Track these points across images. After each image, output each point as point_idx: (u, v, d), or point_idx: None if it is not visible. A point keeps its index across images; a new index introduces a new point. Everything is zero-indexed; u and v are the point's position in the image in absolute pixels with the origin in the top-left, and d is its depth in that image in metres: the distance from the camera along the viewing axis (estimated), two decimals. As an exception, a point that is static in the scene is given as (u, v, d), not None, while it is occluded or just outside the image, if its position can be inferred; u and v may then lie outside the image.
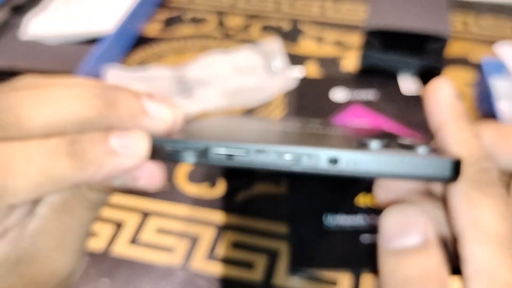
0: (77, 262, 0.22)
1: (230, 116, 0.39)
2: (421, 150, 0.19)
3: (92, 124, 0.18)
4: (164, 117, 0.20)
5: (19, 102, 0.17)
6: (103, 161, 0.18)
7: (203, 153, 0.19)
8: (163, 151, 0.19)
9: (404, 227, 0.18)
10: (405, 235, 0.18)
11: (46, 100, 0.18)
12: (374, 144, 0.19)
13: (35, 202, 0.20)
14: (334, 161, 0.18)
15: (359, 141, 0.20)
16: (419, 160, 0.18)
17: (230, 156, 0.19)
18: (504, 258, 0.17)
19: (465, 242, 0.18)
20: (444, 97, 0.21)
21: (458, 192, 0.18)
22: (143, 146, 0.18)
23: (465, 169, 0.19)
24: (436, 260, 0.17)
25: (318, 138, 0.25)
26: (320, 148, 0.18)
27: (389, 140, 0.21)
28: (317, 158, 0.18)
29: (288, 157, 0.19)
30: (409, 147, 0.19)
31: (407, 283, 0.17)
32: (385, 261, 0.18)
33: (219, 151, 0.19)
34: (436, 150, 0.19)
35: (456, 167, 0.18)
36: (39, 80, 0.19)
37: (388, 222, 0.18)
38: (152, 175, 0.19)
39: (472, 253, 0.18)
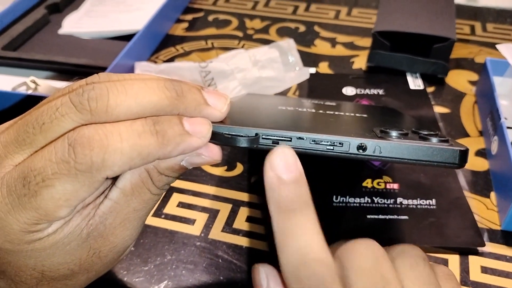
0: (135, 237, 0.25)
1: (256, 96, 0.43)
2: (434, 140, 0.23)
3: (164, 112, 0.22)
4: (220, 107, 0.23)
5: (106, 93, 0.21)
6: (180, 140, 0.22)
7: (254, 139, 0.23)
8: (220, 136, 0.23)
9: (288, 165, 0.22)
10: (288, 170, 0.21)
11: (129, 91, 0.21)
12: (395, 133, 0.23)
13: (108, 187, 0.23)
14: (362, 148, 0.22)
15: (382, 130, 0.24)
16: (432, 149, 0.22)
17: (276, 142, 0.23)
18: None
19: None
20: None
21: None
22: (208, 130, 0.22)
23: None
24: (307, 189, 0.22)
25: (346, 124, 0.28)
26: (351, 137, 0.22)
27: (406, 129, 0.24)
28: (348, 146, 0.22)
29: (324, 143, 0.22)
30: (424, 137, 0.23)
31: (289, 204, 0.21)
32: (272, 190, 0.22)
33: (268, 138, 0.23)
34: (447, 140, 0.23)
35: (464, 156, 0.22)
36: (113, 75, 0.22)
37: (277, 160, 0.22)
38: (212, 151, 0.23)
39: None
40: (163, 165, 0.23)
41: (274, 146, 0.23)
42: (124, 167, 0.21)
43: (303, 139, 0.23)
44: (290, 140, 0.23)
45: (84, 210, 0.23)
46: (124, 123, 0.21)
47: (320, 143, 0.22)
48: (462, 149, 0.22)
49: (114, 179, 0.23)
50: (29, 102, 0.47)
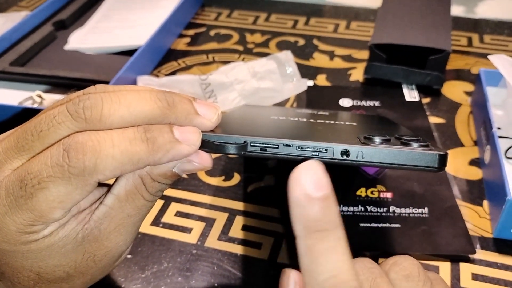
0: (129, 243, 0.26)
1: (253, 107, 0.44)
2: (415, 145, 0.24)
3: (156, 121, 0.23)
4: (210, 117, 0.25)
5: (100, 102, 0.22)
6: (169, 147, 0.23)
7: (242, 147, 0.24)
8: (210, 144, 0.24)
9: (318, 180, 0.21)
10: (317, 187, 0.21)
11: (122, 101, 0.22)
12: (377, 139, 0.24)
13: (104, 193, 0.25)
14: (346, 153, 0.23)
15: (366, 136, 0.25)
16: (413, 153, 0.23)
17: (264, 149, 0.24)
18: None
19: None
20: None
21: None
22: (197, 138, 0.24)
23: None
24: (337, 208, 0.21)
25: (333, 132, 0.30)
26: (335, 143, 0.23)
27: (389, 135, 0.25)
28: (332, 151, 0.23)
29: (310, 150, 0.24)
30: (405, 143, 0.24)
31: (318, 224, 0.21)
32: (300, 207, 0.21)
33: (256, 145, 0.24)
34: (427, 145, 0.24)
35: (443, 159, 0.23)
36: (109, 87, 0.24)
37: (305, 175, 0.21)
38: (202, 158, 0.24)
39: None
40: (156, 172, 0.24)
41: (262, 153, 0.24)
42: (115, 171, 0.22)
43: (290, 146, 0.24)
44: (277, 147, 0.24)
45: (79, 215, 0.24)
46: (116, 130, 0.22)
47: (306, 149, 0.24)
48: (441, 153, 0.23)
49: (110, 186, 0.24)
50: (34, 115, 0.48)
